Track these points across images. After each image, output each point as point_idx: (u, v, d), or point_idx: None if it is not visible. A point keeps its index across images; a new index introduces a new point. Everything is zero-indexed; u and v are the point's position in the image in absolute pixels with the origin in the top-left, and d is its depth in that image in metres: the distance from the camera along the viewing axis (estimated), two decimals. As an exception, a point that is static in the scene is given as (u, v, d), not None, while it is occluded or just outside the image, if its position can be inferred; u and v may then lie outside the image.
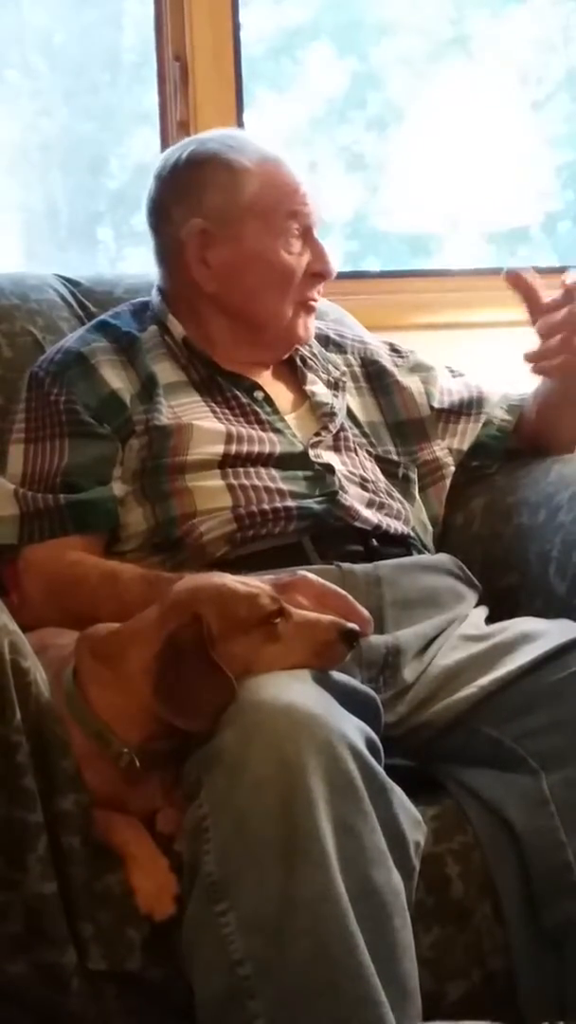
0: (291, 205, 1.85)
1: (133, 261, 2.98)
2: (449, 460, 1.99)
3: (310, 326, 1.91)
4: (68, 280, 2.18)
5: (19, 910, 1.40)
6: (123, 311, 1.95)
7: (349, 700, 1.46)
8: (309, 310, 1.90)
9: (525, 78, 3.09)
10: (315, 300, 1.90)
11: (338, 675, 1.48)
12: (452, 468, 2.00)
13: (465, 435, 2.01)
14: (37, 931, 1.41)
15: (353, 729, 1.41)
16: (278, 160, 1.88)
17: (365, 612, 1.55)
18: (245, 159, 1.85)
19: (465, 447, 2.01)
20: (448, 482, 1.99)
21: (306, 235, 1.87)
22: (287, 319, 1.87)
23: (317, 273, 1.87)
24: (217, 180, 1.85)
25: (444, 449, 1.99)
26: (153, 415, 1.79)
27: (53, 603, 1.69)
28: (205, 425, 1.80)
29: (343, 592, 1.56)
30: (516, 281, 1.79)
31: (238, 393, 1.86)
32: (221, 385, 1.87)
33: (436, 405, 2.01)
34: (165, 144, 2.69)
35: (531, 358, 1.79)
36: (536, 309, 1.80)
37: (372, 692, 1.55)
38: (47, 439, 1.80)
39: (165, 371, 1.85)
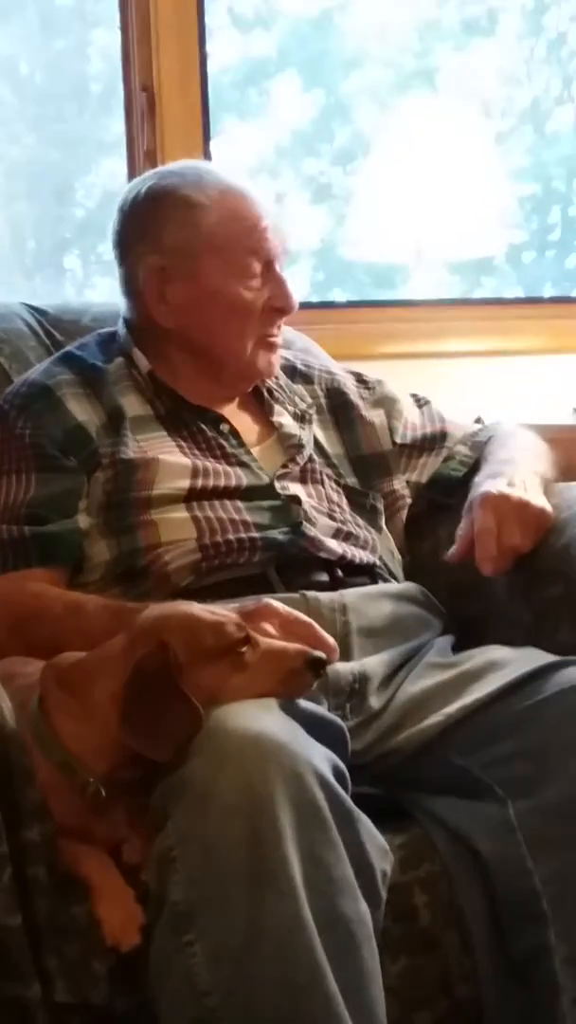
0: (249, 241, 1.84)
1: (101, 289, 2.99)
2: (406, 493, 2.00)
3: (273, 361, 1.91)
4: (35, 309, 2.18)
5: (-17, 942, 1.39)
6: (89, 342, 1.95)
7: (316, 728, 1.46)
8: (270, 346, 1.89)
9: (489, 110, 3.12)
10: (276, 335, 1.89)
11: (305, 703, 1.48)
12: (408, 501, 2.00)
13: (425, 469, 2.02)
14: (1, 964, 1.40)
15: (320, 758, 1.41)
16: (239, 194, 1.87)
17: (331, 640, 1.55)
18: (203, 195, 1.85)
19: (424, 480, 2.01)
20: (404, 514, 1.99)
21: (267, 270, 1.86)
22: (247, 355, 1.87)
23: (278, 309, 1.87)
24: (175, 216, 1.85)
25: (403, 482, 2.00)
26: (119, 448, 1.79)
27: (16, 635, 1.68)
28: (171, 460, 1.80)
29: (309, 620, 1.56)
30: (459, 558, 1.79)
31: (204, 427, 1.86)
32: (187, 419, 1.87)
33: (399, 440, 2.01)
34: (132, 173, 2.70)
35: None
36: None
37: (339, 720, 1.55)
38: (12, 472, 1.79)
39: (131, 404, 1.85)
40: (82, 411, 1.82)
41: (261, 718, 1.39)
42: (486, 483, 1.83)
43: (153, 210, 1.86)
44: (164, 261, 1.84)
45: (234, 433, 1.88)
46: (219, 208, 1.85)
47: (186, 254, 1.84)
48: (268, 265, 1.86)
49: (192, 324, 1.86)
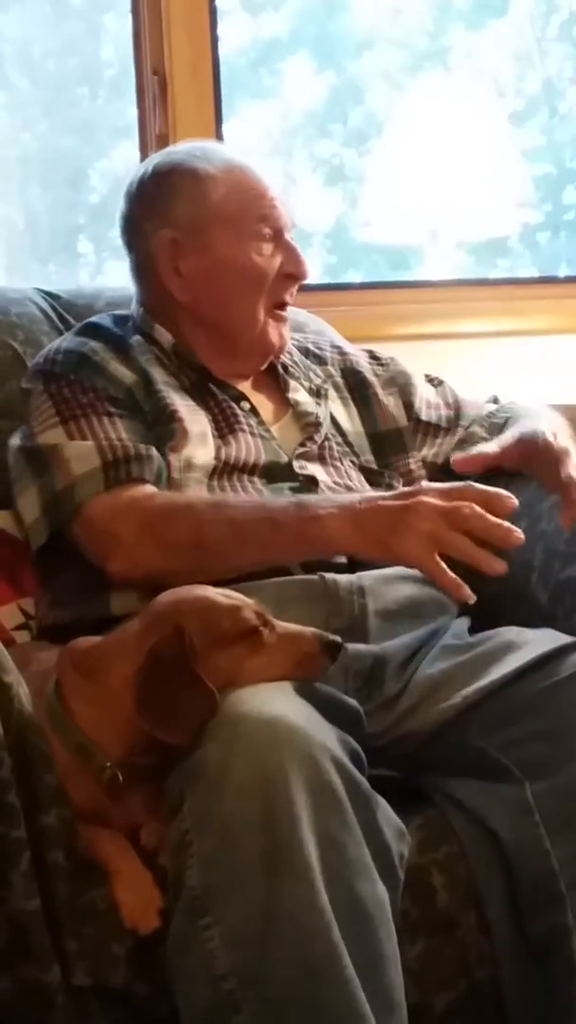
0: (259, 209, 1.85)
1: (114, 274, 2.98)
2: (422, 473, 1.99)
3: (284, 333, 1.90)
4: (48, 294, 2.18)
5: (2, 927, 1.40)
6: (105, 318, 1.95)
7: (331, 711, 1.46)
8: (281, 318, 1.89)
9: (503, 90, 3.11)
10: (286, 306, 1.89)
11: (320, 686, 1.48)
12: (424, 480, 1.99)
13: (441, 448, 2.02)
14: (21, 948, 1.40)
15: (336, 741, 1.41)
16: (243, 166, 1.88)
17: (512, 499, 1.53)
18: (210, 166, 1.86)
19: (440, 460, 2.01)
20: None
21: (277, 238, 1.86)
22: (260, 325, 1.86)
23: (290, 275, 1.87)
24: (183, 189, 1.85)
25: (418, 462, 1.99)
26: (159, 407, 1.78)
27: (151, 538, 1.65)
28: (197, 430, 1.79)
29: (495, 491, 1.54)
30: (465, 466, 1.79)
31: (229, 402, 1.86)
32: (212, 391, 1.86)
33: (415, 416, 2.01)
34: (145, 158, 2.69)
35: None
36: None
37: (354, 703, 1.55)
38: (86, 416, 1.76)
39: (158, 374, 1.85)
40: (123, 374, 1.81)
41: (276, 701, 1.39)
42: (548, 435, 1.83)
43: (161, 186, 1.86)
44: (176, 234, 1.84)
45: (254, 411, 1.88)
46: (226, 179, 1.85)
47: (197, 227, 1.84)
48: (278, 233, 1.86)
49: (206, 296, 1.85)
